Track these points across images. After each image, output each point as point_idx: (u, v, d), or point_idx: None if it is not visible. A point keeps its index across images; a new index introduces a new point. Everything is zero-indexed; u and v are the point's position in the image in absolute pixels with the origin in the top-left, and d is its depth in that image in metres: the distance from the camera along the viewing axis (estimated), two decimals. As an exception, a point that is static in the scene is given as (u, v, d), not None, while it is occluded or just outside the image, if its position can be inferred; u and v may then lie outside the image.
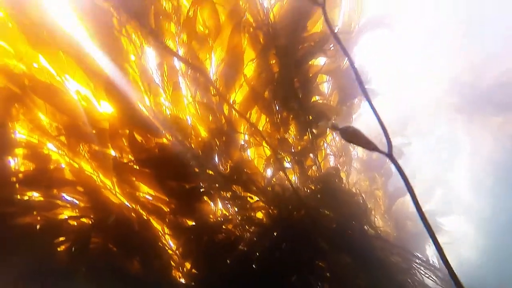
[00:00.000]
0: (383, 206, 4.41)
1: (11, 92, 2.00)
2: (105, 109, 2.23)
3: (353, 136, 1.05)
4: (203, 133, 2.50)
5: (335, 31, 2.36)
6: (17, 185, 2.08)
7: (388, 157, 1.07)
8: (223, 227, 3.00)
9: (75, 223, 2.35)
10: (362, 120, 3.50)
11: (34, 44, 1.90)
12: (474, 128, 6.26)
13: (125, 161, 2.39)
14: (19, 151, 2.12)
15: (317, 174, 3.05)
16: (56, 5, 1.85)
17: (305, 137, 2.71)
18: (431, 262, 3.48)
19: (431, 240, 1.02)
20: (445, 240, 5.30)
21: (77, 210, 2.39)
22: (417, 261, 3.40)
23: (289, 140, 2.75)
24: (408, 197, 5.13)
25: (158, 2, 1.85)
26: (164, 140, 2.47)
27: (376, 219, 4.18)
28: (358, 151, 3.66)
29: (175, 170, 2.55)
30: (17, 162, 2.11)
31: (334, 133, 2.95)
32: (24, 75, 1.97)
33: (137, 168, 2.42)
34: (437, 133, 6.35)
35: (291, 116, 2.59)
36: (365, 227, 3.68)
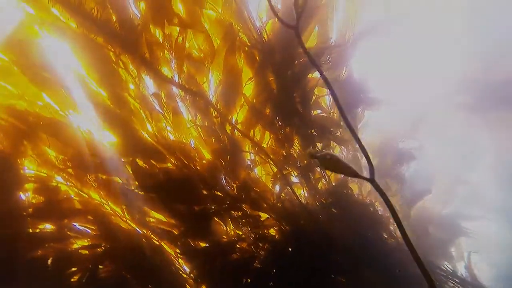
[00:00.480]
0: (401, 212, 4.19)
1: (18, 130, 2.04)
2: (108, 138, 2.23)
3: (332, 163, 0.97)
4: (207, 155, 2.46)
5: (330, 43, 2.29)
6: (29, 219, 2.10)
7: (370, 182, 0.98)
8: (237, 246, 2.93)
9: (87, 252, 2.34)
10: (369, 130, 3.37)
11: (36, 84, 1.94)
12: (490, 125, 5.92)
13: (132, 188, 2.37)
14: (29, 186, 2.15)
15: (327, 187, 2.94)
16: (54, 45, 1.89)
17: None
18: (458, 273, 3.23)
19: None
20: (473, 244, 4.97)
21: (88, 239, 2.38)
22: (442, 273, 3.17)
23: (295, 155, 2.66)
24: (427, 200, 4.87)
25: (148, 32, 1.85)
26: (169, 165, 2.45)
27: (394, 227, 3.97)
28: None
29: (182, 193, 2.51)
30: (28, 197, 2.13)
31: (340, 146, 2.83)
32: (29, 113, 2.00)
33: (144, 194, 2.40)
34: (453, 133, 6.05)
35: (294, 131, 2.51)
36: (384, 237, 3.49)
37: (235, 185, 2.59)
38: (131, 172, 2.31)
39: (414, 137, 4.40)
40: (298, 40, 1.02)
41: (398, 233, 4.18)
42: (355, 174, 0.99)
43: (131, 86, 2.18)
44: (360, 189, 3.38)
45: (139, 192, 2.39)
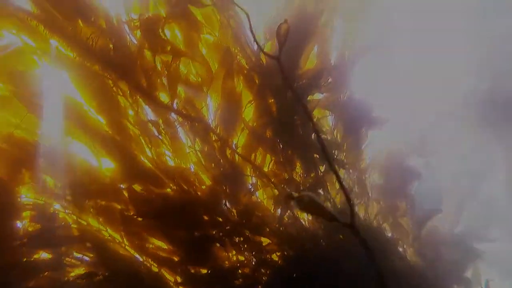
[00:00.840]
0: (411, 233, 3.99)
1: (17, 158, 2.01)
2: (107, 165, 2.18)
3: (310, 206, 0.88)
4: (207, 181, 2.38)
5: (330, 64, 2.23)
6: (24, 248, 2.04)
7: (349, 227, 0.89)
8: (239, 272, 2.80)
9: (84, 281, 2.25)
10: (374, 149, 3.25)
11: (35, 113, 1.91)
12: (501, 140, 5.70)
13: (130, 214, 2.30)
14: (26, 213, 2.10)
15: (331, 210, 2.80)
16: (52, 73, 1.87)
17: (312, 174, 2.51)
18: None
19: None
20: (492, 267, 4.67)
21: (86, 267, 2.30)
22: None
23: (297, 178, 2.56)
24: (439, 219, 4.63)
25: (143, 59, 1.81)
26: (168, 190, 2.37)
27: (405, 249, 3.77)
28: (373, 179, 3.36)
29: (181, 219, 2.42)
30: (24, 225, 2.08)
31: (344, 169, 2.72)
32: (27, 142, 1.97)
33: (142, 220, 2.32)
34: (462, 149, 5.83)
35: (296, 154, 2.41)
36: (394, 261, 3.30)
37: (236, 210, 2.49)
38: (129, 198, 2.24)
39: (421, 154, 4.25)
40: (280, 71, 0.95)
41: (409, 253, 3.97)
42: (333, 218, 0.90)
43: (130, 112, 2.14)
44: (366, 211, 3.24)
45: (138, 219, 2.31)
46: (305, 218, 2.92)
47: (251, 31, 1.17)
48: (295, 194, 0.86)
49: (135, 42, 1.83)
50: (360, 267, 2.86)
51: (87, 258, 2.32)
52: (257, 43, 1.28)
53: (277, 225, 2.70)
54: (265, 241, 2.69)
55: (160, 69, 1.87)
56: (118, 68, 1.79)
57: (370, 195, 3.36)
